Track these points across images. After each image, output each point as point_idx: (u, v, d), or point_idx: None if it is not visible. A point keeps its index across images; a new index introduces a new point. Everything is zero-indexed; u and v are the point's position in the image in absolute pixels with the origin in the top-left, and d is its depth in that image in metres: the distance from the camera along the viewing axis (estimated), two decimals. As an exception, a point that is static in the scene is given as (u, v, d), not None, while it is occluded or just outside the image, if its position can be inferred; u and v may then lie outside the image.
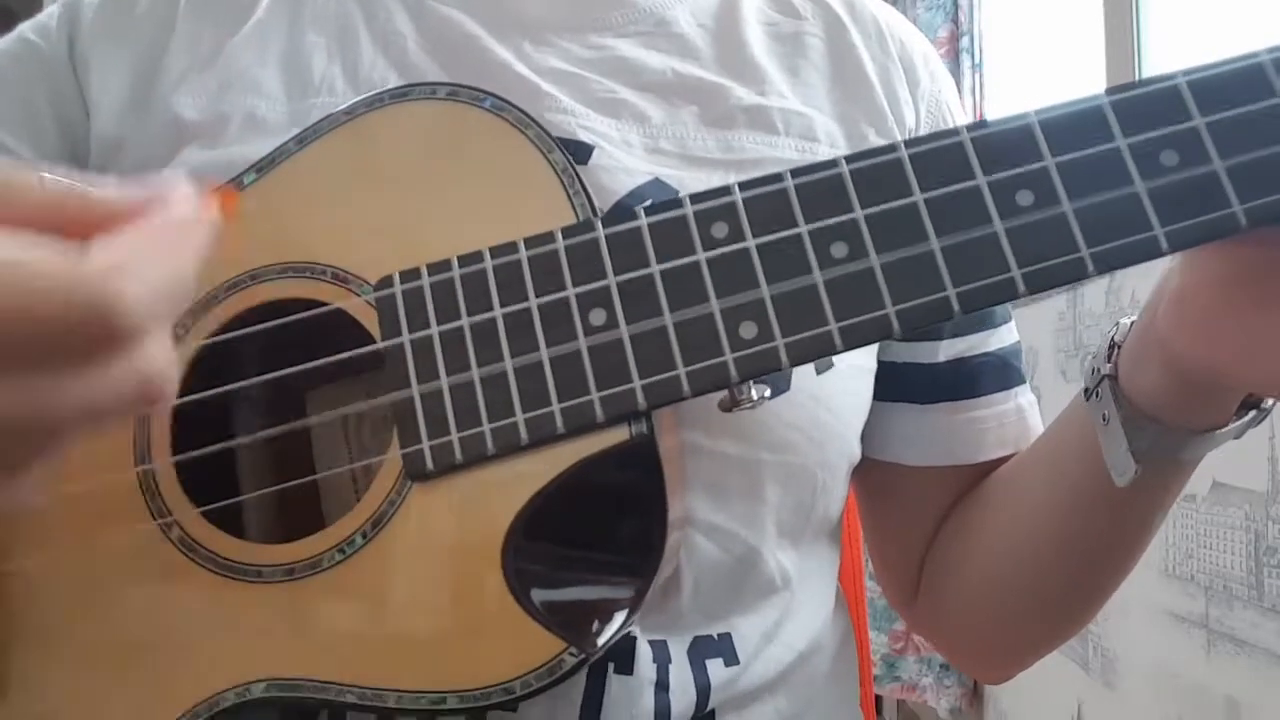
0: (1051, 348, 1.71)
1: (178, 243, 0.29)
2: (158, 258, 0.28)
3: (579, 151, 0.50)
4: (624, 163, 0.51)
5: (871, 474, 0.59)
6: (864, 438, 0.56)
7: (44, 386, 0.27)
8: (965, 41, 2.25)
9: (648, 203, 0.49)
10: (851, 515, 0.72)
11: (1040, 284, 0.34)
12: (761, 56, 0.56)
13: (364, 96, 0.44)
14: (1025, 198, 0.34)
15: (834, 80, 0.57)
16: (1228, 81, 0.34)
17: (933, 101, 0.59)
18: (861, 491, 0.62)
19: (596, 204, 0.49)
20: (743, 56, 0.56)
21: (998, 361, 0.59)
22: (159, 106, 0.53)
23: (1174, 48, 1.70)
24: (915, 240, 0.35)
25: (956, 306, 0.34)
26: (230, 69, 0.53)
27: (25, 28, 0.57)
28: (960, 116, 0.61)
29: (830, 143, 0.55)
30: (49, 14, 0.57)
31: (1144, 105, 0.35)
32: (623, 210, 0.49)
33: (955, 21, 2.28)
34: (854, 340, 0.35)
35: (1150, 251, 0.33)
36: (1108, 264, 0.34)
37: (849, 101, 0.56)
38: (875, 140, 0.56)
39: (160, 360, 0.28)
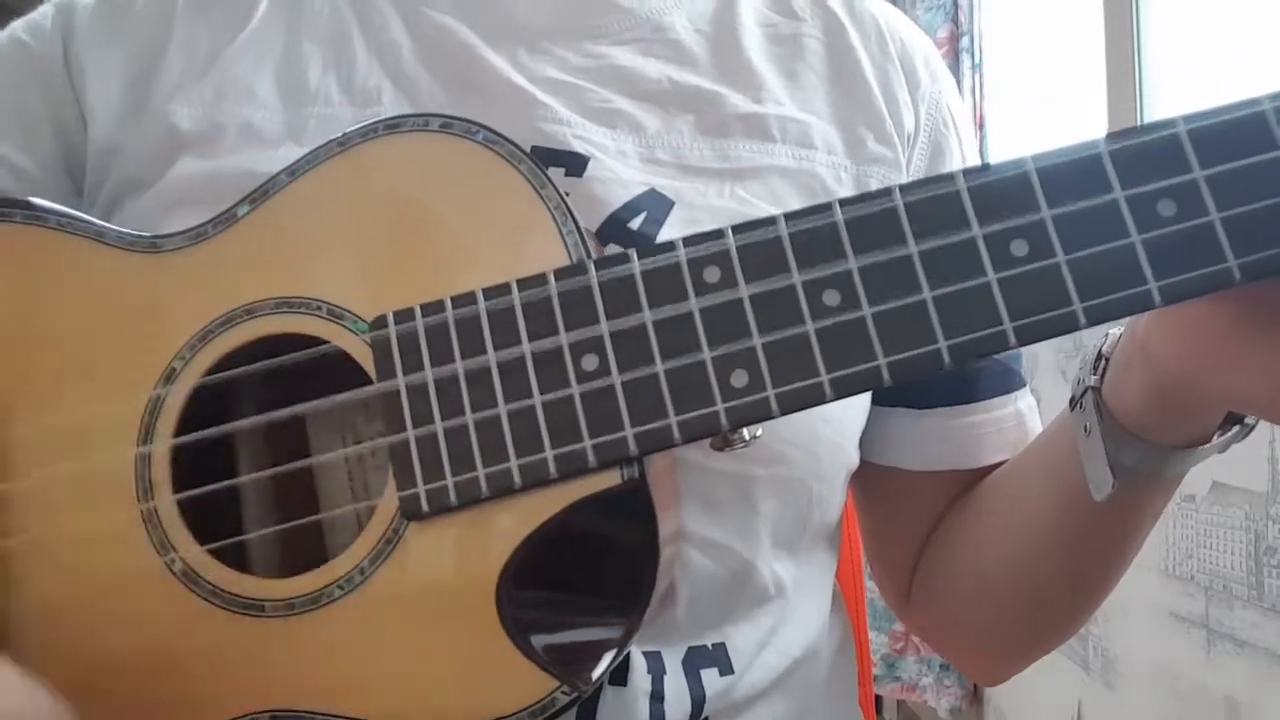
0: (1052, 348, 1.71)
1: None
2: None
3: (574, 163, 0.50)
4: (620, 174, 0.50)
5: (869, 477, 0.59)
6: (862, 442, 0.56)
7: None
8: (965, 41, 2.24)
9: (643, 215, 0.49)
10: (851, 516, 0.72)
11: (1031, 337, 0.34)
12: (759, 61, 0.56)
13: (358, 126, 0.43)
14: (1020, 248, 0.34)
15: (832, 83, 0.56)
16: (1228, 131, 0.34)
17: (933, 104, 0.58)
18: (859, 494, 0.62)
19: (593, 215, 0.49)
20: (740, 62, 0.56)
21: (998, 366, 0.59)
22: (155, 115, 0.52)
23: (1174, 50, 1.70)
24: (908, 291, 0.35)
25: (948, 359, 0.34)
26: (226, 78, 0.52)
27: (17, 27, 0.56)
28: (962, 117, 0.60)
29: (828, 149, 0.54)
30: (42, 14, 0.56)
31: (1143, 154, 0.34)
32: (617, 223, 0.49)
33: (955, 21, 2.27)
34: (844, 391, 0.35)
35: (1144, 304, 0.33)
36: (1100, 317, 0.34)
37: (847, 105, 0.56)
38: (874, 145, 0.55)
39: None
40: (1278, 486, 1.25)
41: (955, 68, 2.24)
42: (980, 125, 2.27)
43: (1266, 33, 1.43)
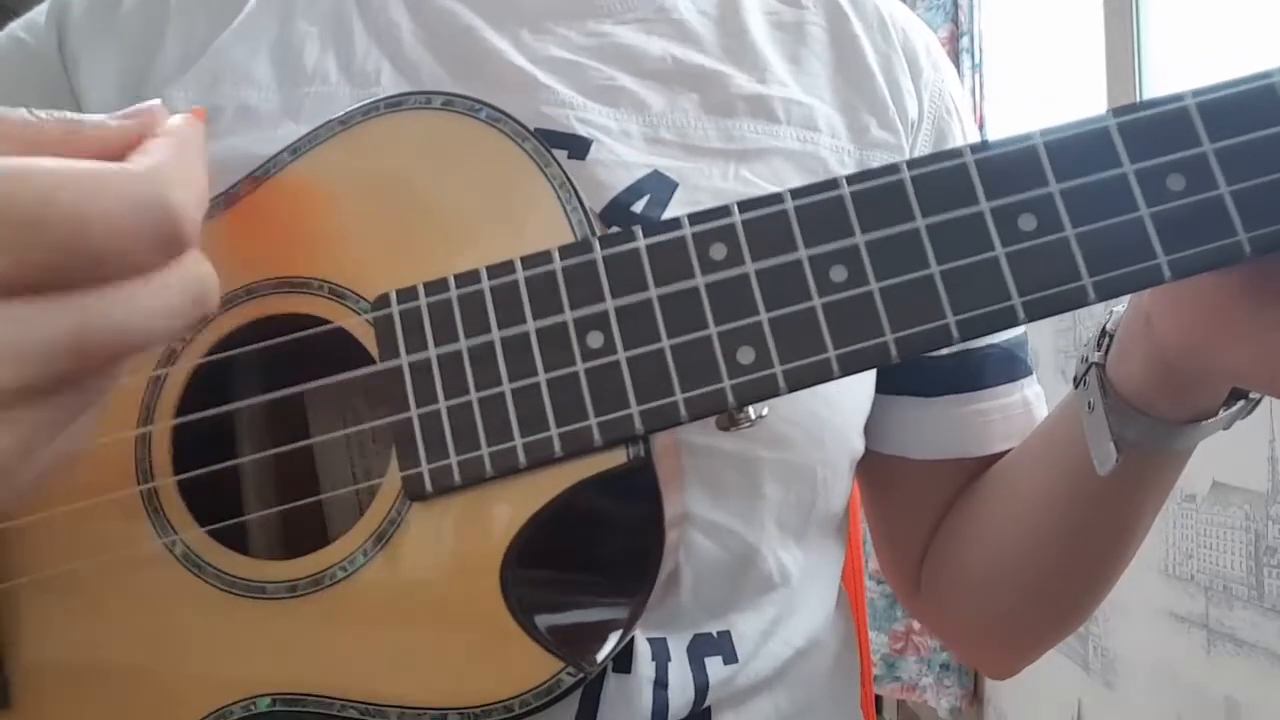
0: (1051, 347, 1.71)
1: (194, 151, 0.30)
2: (186, 163, 0.29)
3: (577, 146, 0.50)
4: (623, 156, 0.50)
5: (875, 466, 0.59)
6: (867, 430, 0.56)
7: (117, 299, 0.27)
8: (965, 41, 2.24)
9: (646, 198, 0.49)
10: (853, 515, 0.71)
11: (1040, 312, 0.34)
12: (763, 44, 0.56)
13: (359, 105, 0.43)
14: (1028, 222, 0.34)
15: (836, 69, 0.56)
16: (1238, 103, 0.34)
17: (935, 92, 0.58)
18: (865, 484, 0.62)
19: (596, 198, 0.49)
20: (744, 43, 0.56)
21: (1003, 354, 0.59)
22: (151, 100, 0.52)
23: (1174, 49, 1.70)
24: (916, 265, 0.35)
25: (956, 334, 0.34)
26: (222, 61, 0.52)
27: (15, 25, 0.56)
28: (964, 105, 0.60)
29: (831, 132, 0.54)
30: (38, 10, 0.56)
31: (1151, 128, 0.34)
32: (620, 206, 0.49)
33: (955, 21, 2.27)
34: (851, 367, 0.35)
35: (1153, 279, 0.33)
36: (1109, 292, 0.33)
37: (851, 91, 0.56)
38: (877, 131, 0.55)
39: (206, 264, 0.29)
40: (1278, 486, 1.25)
41: (955, 68, 2.24)
42: (980, 125, 2.27)
43: (1266, 32, 1.43)
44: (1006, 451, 0.58)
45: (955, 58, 2.24)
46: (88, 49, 0.54)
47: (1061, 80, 2.02)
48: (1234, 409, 0.45)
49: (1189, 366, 0.42)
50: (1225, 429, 0.45)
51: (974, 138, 0.60)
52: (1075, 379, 0.47)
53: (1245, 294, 0.37)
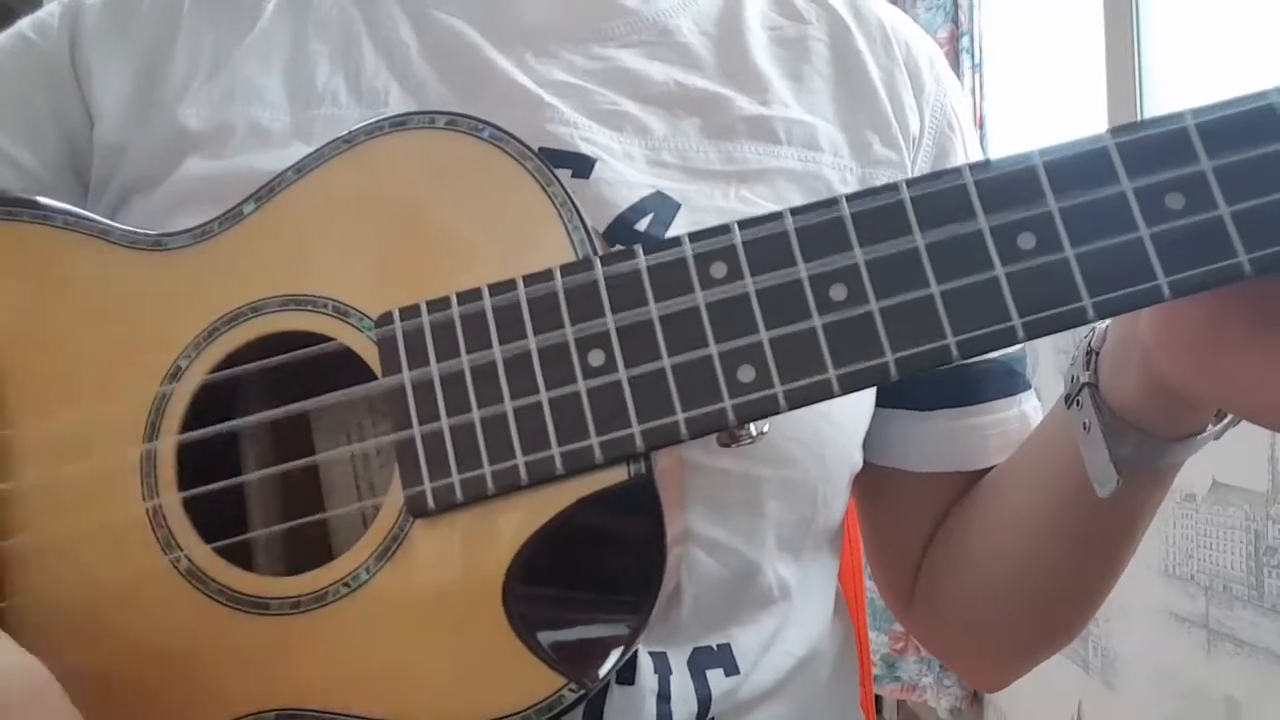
0: (1051, 347, 1.71)
1: None
2: None
3: (581, 164, 0.50)
4: (626, 176, 0.50)
5: (871, 478, 0.59)
6: (864, 443, 0.56)
7: None
8: (965, 41, 2.24)
9: (649, 216, 0.49)
10: (852, 516, 0.71)
11: (1040, 331, 0.34)
12: (765, 64, 0.56)
13: (363, 124, 0.43)
14: (1027, 241, 0.34)
15: (838, 85, 0.57)
16: (1237, 124, 0.34)
17: (937, 106, 0.58)
18: (860, 494, 0.62)
19: (599, 217, 0.49)
20: (745, 64, 0.56)
21: (1001, 368, 0.59)
22: (162, 114, 0.52)
23: (1174, 50, 1.70)
24: (915, 285, 0.35)
25: (956, 354, 0.34)
26: (234, 78, 0.52)
27: (24, 25, 0.56)
28: (966, 120, 0.60)
29: (833, 151, 0.54)
30: (49, 12, 0.56)
31: (1150, 147, 0.34)
32: (624, 224, 0.49)
33: (955, 21, 2.27)
34: (851, 386, 0.35)
35: (1152, 299, 0.33)
36: (1108, 311, 0.33)
37: (853, 107, 0.56)
38: (880, 148, 0.55)
39: None
40: (1278, 486, 1.25)
41: (955, 68, 2.23)
42: (980, 125, 2.27)
43: (1267, 32, 1.43)
44: None
45: (955, 58, 2.24)
46: (100, 58, 0.54)
47: (1061, 80, 2.02)
48: (1225, 422, 0.45)
49: (1189, 396, 0.42)
50: (1216, 440, 0.45)
51: (975, 151, 0.60)
52: (1067, 399, 0.47)
53: (1245, 338, 0.37)
